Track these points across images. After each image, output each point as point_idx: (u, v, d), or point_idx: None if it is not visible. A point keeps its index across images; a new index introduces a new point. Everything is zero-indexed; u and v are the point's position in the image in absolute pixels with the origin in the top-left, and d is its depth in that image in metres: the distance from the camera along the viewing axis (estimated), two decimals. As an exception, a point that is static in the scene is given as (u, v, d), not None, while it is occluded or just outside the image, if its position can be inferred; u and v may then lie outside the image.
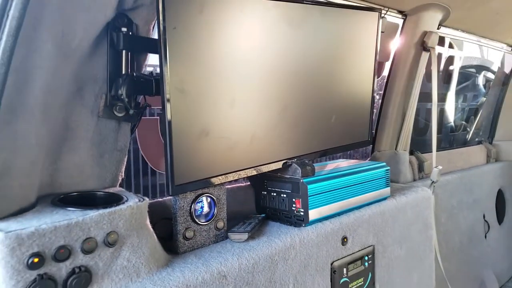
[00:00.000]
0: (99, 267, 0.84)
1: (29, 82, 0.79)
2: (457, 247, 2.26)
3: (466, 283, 2.33)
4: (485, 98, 3.11)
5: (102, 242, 0.84)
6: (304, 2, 1.24)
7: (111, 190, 1.03)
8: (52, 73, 0.84)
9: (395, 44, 1.90)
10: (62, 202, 0.89)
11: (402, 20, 1.89)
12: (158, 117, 1.14)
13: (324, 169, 1.42)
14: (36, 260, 0.74)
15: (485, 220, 2.56)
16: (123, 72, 0.99)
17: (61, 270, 0.79)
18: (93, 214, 0.82)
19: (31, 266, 0.74)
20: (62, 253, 0.78)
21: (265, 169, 1.23)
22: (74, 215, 0.81)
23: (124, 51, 0.98)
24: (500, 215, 2.77)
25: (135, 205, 0.90)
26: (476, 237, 2.46)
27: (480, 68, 3.39)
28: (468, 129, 3.09)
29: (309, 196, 1.22)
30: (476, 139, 2.99)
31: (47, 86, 0.84)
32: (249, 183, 1.44)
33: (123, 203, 0.90)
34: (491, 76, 3.23)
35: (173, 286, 0.89)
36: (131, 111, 1.01)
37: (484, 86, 3.32)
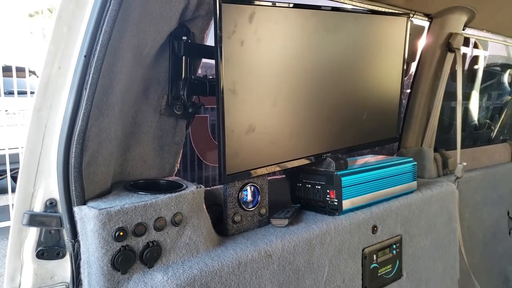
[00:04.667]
0: (167, 243, 0.98)
1: (113, 85, 0.94)
2: (481, 242, 2.33)
3: (489, 277, 2.40)
4: (510, 97, 3.15)
5: (170, 221, 0.98)
6: (339, 10, 1.35)
7: (170, 178, 1.18)
8: (129, 77, 0.99)
9: (421, 45, 1.99)
10: (133, 187, 1.04)
11: (428, 22, 1.98)
12: (207, 115, 1.28)
13: (355, 163, 1.53)
14: (121, 233, 0.89)
15: (510, 217, 2.61)
16: (183, 75, 1.13)
17: (138, 244, 0.93)
18: (163, 197, 0.97)
19: (117, 238, 0.89)
20: (140, 229, 0.92)
21: (301, 162, 1.35)
22: (147, 198, 0.96)
23: (183, 57, 1.13)
24: None
25: (195, 190, 1.04)
26: (501, 233, 2.52)
27: (506, 66, 3.41)
28: (493, 127, 3.12)
29: (343, 187, 1.34)
30: (501, 137, 3.03)
31: (124, 88, 0.99)
32: (284, 176, 1.57)
33: (184, 189, 1.04)
34: (516, 74, 3.26)
35: (227, 261, 1.03)
36: (190, 110, 1.15)
37: (510, 84, 3.35)
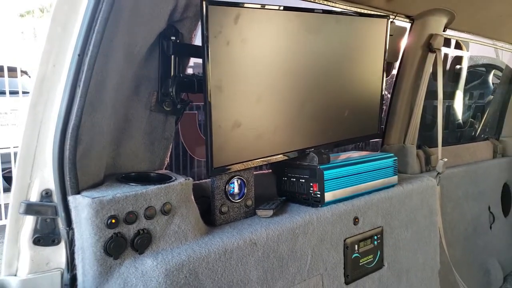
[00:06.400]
0: (157, 231, 1.05)
1: (105, 82, 1.00)
2: (462, 235, 2.42)
3: (471, 270, 2.49)
4: (492, 96, 3.25)
5: (159, 210, 1.04)
6: (322, 12, 1.43)
7: (160, 172, 1.24)
8: (120, 75, 1.05)
9: (403, 45, 2.07)
10: (124, 179, 1.10)
11: (410, 24, 2.06)
12: (196, 112, 1.34)
13: (338, 158, 1.60)
14: (113, 221, 0.95)
15: (491, 212, 2.71)
16: (172, 73, 1.19)
17: (129, 231, 0.99)
18: (153, 187, 1.03)
19: (109, 226, 0.95)
20: (131, 217, 0.98)
21: (286, 157, 1.42)
22: (138, 188, 1.02)
23: (172, 56, 1.19)
24: (506, 208, 2.91)
25: (184, 182, 1.11)
26: (481, 228, 2.61)
27: (489, 66, 3.51)
28: (476, 126, 3.22)
29: (325, 180, 1.41)
30: (483, 135, 3.13)
31: (116, 85, 1.05)
32: (270, 170, 1.64)
33: (173, 181, 1.11)
34: (499, 74, 3.36)
35: (214, 248, 1.10)
36: (178, 106, 1.22)
37: (493, 84, 3.45)
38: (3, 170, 5.66)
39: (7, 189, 5.95)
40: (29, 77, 6.76)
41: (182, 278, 1.02)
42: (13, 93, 5.74)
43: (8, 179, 6.12)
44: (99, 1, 0.93)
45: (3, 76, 5.52)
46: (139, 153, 1.22)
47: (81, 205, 0.94)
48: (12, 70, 5.76)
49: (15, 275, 1.00)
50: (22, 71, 6.13)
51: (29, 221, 0.99)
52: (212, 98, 1.15)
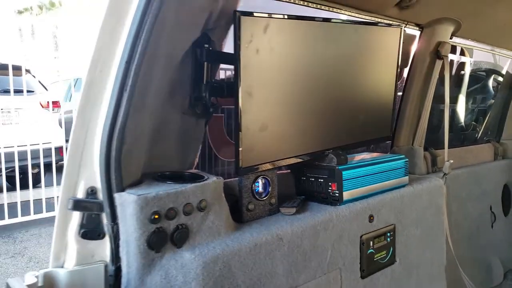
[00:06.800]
0: (194, 226, 1.12)
1: (148, 87, 1.07)
2: (466, 233, 2.51)
3: (474, 266, 2.58)
4: (493, 100, 3.34)
5: (196, 207, 1.12)
6: (341, 22, 1.50)
7: (192, 171, 1.32)
8: (159, 80, 1.13)
9: (413, 52, 2.16)
10: (161, 178, 1.17)
11: (419, 32, 2.14)
12: (222, 115, 1.42)
13: (353, 159, 1.68)
14: (156, 216, 1.02)
15: (492, 212, 2.80)
16: (204, 79, 1.27)
17: (170, 226, 1.07)
18: (191, 186, 1.10)
19: (152, 221, 1.02)
20: (172, 213, 1.06)
21: (307, 157, 1.50)
22: (177, 186, 1.09)
23: (205, 62, 1.26)
24: (506, 208, 3.00)
25: (217, 180, 1.18)
26: (484, 226, 2.70)
27: (491, 72, 3.61)
28: (478, 129, 3.32)
29: (343, 180, 1.49)
30: (485, 138, 3.23)
31: (155, 90, 1.12)
32: (289, 170, 1.71)
33: (207, 179, 1.18)
34: (500, 79, 3.46)
35: (245, 243, 1.17)
36: (210, 109, 1.29)
37: (494, 88, 3.55)
38: (7, 169, 5.69)
39: (10, 189, 5.99)
40: (34, 76, 6.80)
41: (217, 270, 1.09)
42: (18, 91, 5.78)
43: (10, 179, 6.14)
44: (145, 13, 1.00)
45: (7, 75, 5.54)
46: (172, 153, 1.29)
47: (127, 202, 1.01)
48: (16, 69, 5.79)
49: (62, 267, 1.07)
50: (26, 70, 6.15)
51: (76, 217, 1.07)
52: (242, 103, 1.23)
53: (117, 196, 1.03)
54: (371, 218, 1.57)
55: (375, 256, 1.60)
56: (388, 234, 1.66)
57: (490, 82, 3.55)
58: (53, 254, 1.06)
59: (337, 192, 1.49)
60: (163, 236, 1.05)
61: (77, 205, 1.05)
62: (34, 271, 1.02)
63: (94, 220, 1.07)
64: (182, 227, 1.09)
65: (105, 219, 1.07)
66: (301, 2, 1.50)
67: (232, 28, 1.23)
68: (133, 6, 1.01)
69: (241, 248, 1.16)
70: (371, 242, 1.57)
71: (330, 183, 1.51)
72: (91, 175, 1.07)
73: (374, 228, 1.59)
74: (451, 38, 2.20)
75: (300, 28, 1.37)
